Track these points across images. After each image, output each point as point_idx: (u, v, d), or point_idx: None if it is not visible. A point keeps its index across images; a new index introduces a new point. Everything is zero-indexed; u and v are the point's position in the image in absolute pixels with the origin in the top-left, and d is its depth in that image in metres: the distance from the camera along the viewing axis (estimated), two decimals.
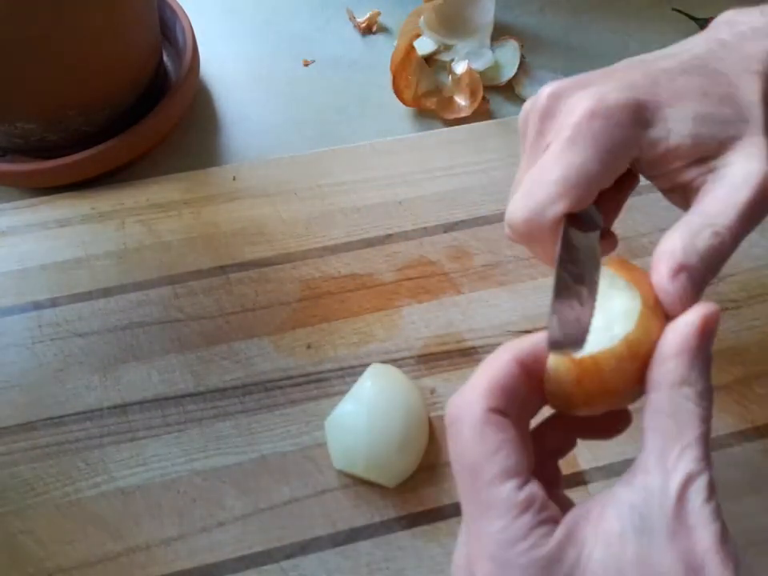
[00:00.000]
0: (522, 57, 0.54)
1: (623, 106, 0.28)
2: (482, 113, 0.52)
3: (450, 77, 0.52)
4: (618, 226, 0.45)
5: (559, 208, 0.28)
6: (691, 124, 0.29)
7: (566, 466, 0.37)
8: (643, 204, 0.46)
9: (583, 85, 0.30)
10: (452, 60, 0.53)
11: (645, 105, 0.29)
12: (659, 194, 0.46)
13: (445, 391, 0.39)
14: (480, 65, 0.52)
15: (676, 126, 0.29)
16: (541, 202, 0.29)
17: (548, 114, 0.31)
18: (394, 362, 0.40)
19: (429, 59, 0.54)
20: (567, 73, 0.58)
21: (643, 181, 0.47)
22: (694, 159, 0.29)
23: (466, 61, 0.51)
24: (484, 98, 0.52)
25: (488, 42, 0.54)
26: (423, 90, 0.52)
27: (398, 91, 0.52)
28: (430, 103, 0.52)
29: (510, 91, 0.53)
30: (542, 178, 0.29)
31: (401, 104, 0.53)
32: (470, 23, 0.53)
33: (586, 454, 0.37)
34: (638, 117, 0.29)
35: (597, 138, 0.28)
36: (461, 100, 0.52)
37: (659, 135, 0.29)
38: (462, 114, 0.51)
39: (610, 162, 0.29)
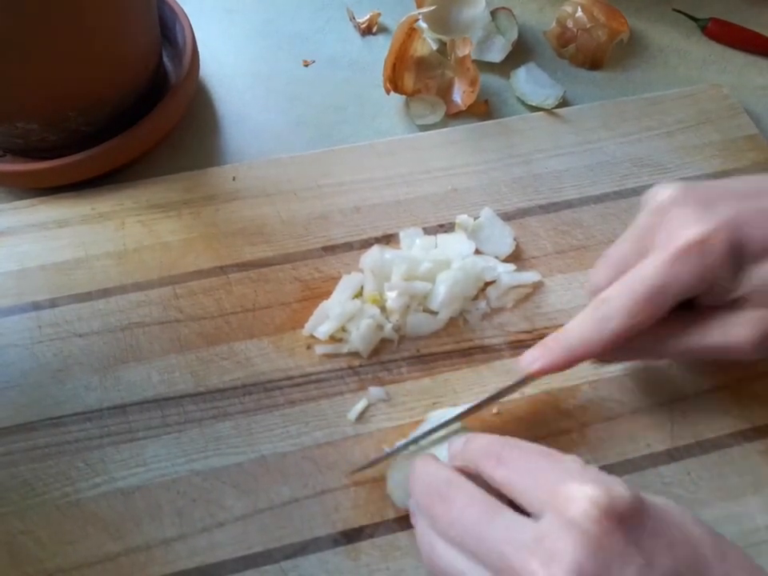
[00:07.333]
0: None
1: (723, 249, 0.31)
2: (481, 113, 0.52)
3: (452, 57, 0.52)
4: (618, 227, 0.45)
5: (620, 325, 0.32)
6: None
7: None
8: None
9: (702, 202, 0.33)
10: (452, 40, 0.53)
11: (744, 249, 0.31)
12: None
13: (443, 391, 0.39)
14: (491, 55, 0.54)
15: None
16: (617, 308, 0.32)
17: (657, 224, 0.34)
18: (394, 362, 0.40)
19: (426, 59, 0.54)
20: (568, 73, 0.58)
21: (643, 181, 0.47)
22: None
23: (468, 40, 0.51)
24: (486, 101, 0.52)
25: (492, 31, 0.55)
26: (423, 76, 0.52)
27: (395, 80, 0.51)
28: (430, 89, 0.52)
29: (510, 90, 0.53)
30: (630, 287, 0.33)
31: (400, 104, 0.53)
32: (464, 20, 0.53)
33: (585, 455, 0.37)
34: (737, 259, 0.31)
35: (692, 272, 0.31)
36: (461, 85, 0.52)
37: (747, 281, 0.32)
38: (461, 105, 0.51)
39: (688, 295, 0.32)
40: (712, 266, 0.31)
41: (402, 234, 0.44)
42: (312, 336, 0.41)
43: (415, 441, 0.36)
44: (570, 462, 0.28)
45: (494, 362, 0.40)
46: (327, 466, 0.37)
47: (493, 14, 0.56)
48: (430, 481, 0.30)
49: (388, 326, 0.40)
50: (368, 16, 0.58)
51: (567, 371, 0.35)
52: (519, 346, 0.41)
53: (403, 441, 0.36)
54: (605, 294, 0.33)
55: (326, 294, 0.42)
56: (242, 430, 0.38)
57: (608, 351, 0.33)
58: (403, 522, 0.35)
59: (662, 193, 0.34)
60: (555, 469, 0.28)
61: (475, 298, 0.42)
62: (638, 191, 0.47)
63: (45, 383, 0.40)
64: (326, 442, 0.38)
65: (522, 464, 0.29)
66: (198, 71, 0.52)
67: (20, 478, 0.37)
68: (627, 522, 0.25)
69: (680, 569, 0.25)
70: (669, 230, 0.33)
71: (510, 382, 0.36)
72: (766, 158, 0.48)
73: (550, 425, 0.38)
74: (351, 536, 0.35)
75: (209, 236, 0.45)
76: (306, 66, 0.56)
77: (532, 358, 0.34)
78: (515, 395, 0.39)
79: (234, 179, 0.47)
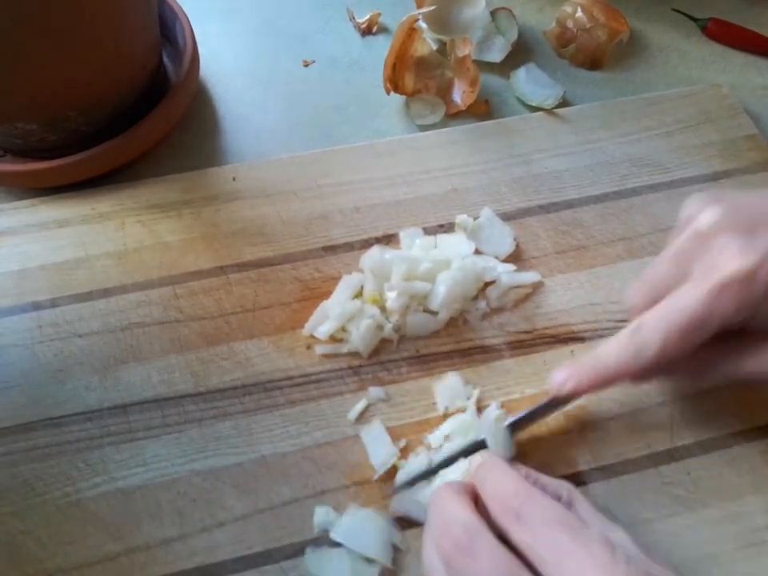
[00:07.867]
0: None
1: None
2: (481, 113, 0.52)
3: (452, 57, 0.52)
4: (618, 227, 0.45)
5: (657, 353, 0.32)
6: None
7: (565, 466, 0.37)
8: (643, 204, 0.46)
9: (745, 229, 0.32)
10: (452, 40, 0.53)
11: None
12: (659, 194, 0.47)
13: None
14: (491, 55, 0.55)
15: None
16: (653, 337, 0.32)
17: (697, 249, 0.33)
18: (393, 362, 0.40)
19: (426, 59, 0.54)
20: (568, 73, 0.58)
21: (642, 181, 0.47)
22: None
23: (468, 40, 0.51)
24: (486, 101, 0.52)
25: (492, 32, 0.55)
26: (423, 76, 0.52)
27: (395, 80, 0.51)
28: (430, 89, 0.52)
29: (510, 90, 0.53)
30: (668, 316, 0.32)
31: (400, 104, 0.53)
32: (464, 20, 0.53)
33: (585, 455, 0.37)
34: None
35: (734, 304, 0.31)
36: (461, 85, 0.52)
37: None
38: (461, 105, 0.52)
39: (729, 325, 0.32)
40: (755, 299, 0.30)
41: (402, 234, 0.44)
42: (312, 336, 0.41)
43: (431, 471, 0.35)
44: (598, 543, 0.27)
45: (494, 362, 0.40)
46: (327, 466, 0.37)
47: (493, 14, 0.56)
48: (451, 524, 0.29)
49: (388, 326, 0.40)
50: (368, 16, 0.58)
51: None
52: (519, 346, 0.41)
53: (416, 472, 0.36)
54: (642, 319, 0.33)
55: (326, 294, 0.42)
56: (242, 430, 0.38)
57: (642, 376, 0.33)
58: (403, 522, 0.35)
59: (704, 215, 0.33)
60: (583, 551, 0.26)
61: (475, 298, 0.42)
62: (637, 191, 0.47)
63: (45, 383, 0.40)
64: (325, 441, 0.38)
65: (546, 532, 0.27)
66: (198, 71, 0.52)
67: (20, 478, 0.37)
68: None
69: None
70: (710, 258, 0.32)
71: (538, 405, 0.36)
72: (766, 157, 0.48)
73: (550, 424, 0.38)
74: None
75: (209, 236, 0.45)
76: (306, 66, 0.56)
77: (563, 379, 0.34)
78: (515, 395, 0.39)
79: (234, 179, 0.47)
